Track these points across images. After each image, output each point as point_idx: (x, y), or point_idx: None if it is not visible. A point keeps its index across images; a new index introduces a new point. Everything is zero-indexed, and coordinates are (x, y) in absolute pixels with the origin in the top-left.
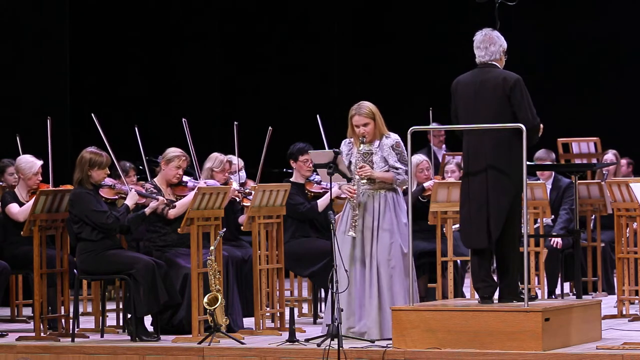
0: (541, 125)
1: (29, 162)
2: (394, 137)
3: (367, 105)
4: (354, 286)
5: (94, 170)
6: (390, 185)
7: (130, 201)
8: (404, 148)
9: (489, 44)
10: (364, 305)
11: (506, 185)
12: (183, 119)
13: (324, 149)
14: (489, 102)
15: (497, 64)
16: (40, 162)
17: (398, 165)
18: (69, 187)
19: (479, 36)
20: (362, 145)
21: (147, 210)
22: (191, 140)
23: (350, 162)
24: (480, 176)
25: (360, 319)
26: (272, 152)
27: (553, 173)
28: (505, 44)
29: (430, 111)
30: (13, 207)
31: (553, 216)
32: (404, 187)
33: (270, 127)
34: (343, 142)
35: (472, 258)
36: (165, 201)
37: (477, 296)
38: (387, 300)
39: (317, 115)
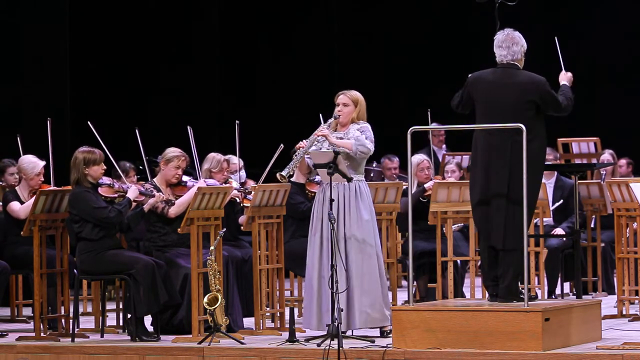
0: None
1: (32, 163)
2: (364, 124)
3: (354, 91)
4: (323, 287)
5: (90, 168)
6: (350, 175)
7: (132, 194)
8: (371, 134)
9: (511, 44)
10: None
11: (521, 190)
12: (188, 127)
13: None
14: (513, 105)
15: (518, 65)
16: (42, 163)
17: (359, 134)
18: (70, 188)
19: (500, 36)
20: (333, 120)
21: (146, 207)
22: (195, 147)
23: (322, 144)
24: (501, 177)
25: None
26: (272, 152)
27: (555, 172)
28: (525, 45)
29: (429, 112)
30: (14, 205)
31: (556, 205)
32: (363, 156)
33: (281, 145)
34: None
35: (483, 255)
36: (164, 197)
37: (477, 296)
38: (356, 295)
39: (320, 115)
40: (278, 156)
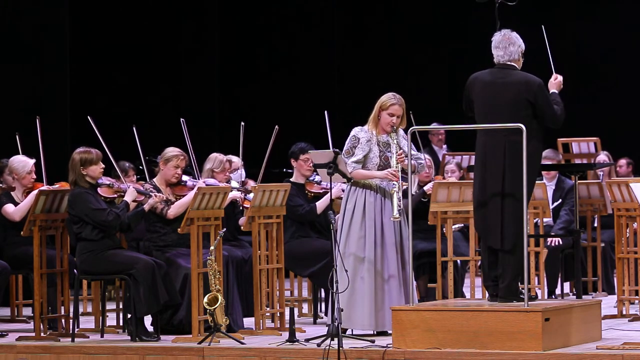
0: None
1: (22, 162)
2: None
3: (402, 98)
4: (361, 284)
5: (88, 168)
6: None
7: (129, 197)
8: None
9: (508, 44)
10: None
11: (520, 190)
12: (181, 119)
13: (329, 147)
14: (508, 104)
15: (515, 65)
16: (32, 161)
17: (416, 153)
18: (66, 184)
19: (497, 36)
20: (393, 133)
21: (146, 207)
22: (190, 141)
23: (370, 149)
24: (496, 177)
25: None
26: (273, 152)
27: (557, 174)
28: (523, 45)
29: (411, 114)
30: (8, 207)
31: (555, 204)
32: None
33: (276, 126)
34: (360, 129)
35: (484, 256)
36: (164, 198)
37: (477, 296)
38: (385, 298)
39: (325, 112)
40: (276, 153)
